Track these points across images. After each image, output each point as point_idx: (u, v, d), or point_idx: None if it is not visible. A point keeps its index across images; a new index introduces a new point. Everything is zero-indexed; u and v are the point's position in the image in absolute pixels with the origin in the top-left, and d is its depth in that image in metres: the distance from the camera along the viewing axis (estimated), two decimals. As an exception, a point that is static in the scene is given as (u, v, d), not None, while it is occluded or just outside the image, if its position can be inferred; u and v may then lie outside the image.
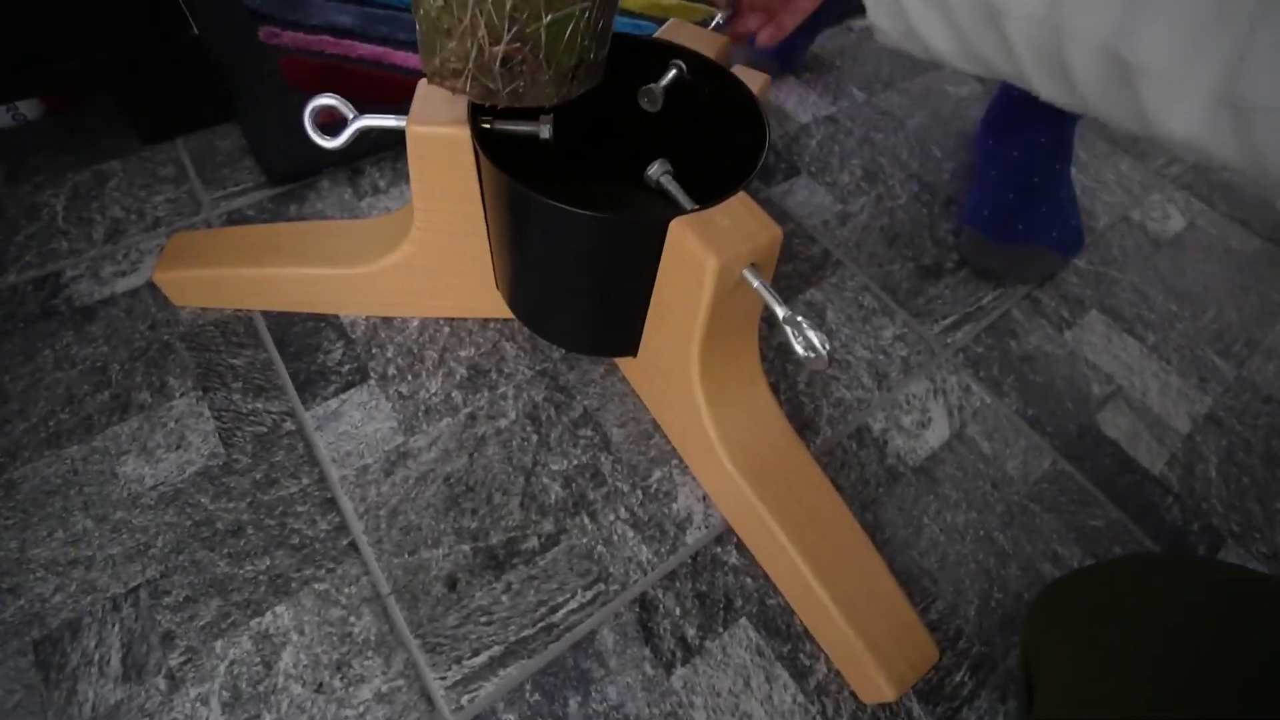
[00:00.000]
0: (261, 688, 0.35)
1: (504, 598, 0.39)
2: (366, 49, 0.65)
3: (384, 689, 0.36)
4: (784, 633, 0.40)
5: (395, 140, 0.60)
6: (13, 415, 0.43)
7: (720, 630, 0.40)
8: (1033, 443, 0.50)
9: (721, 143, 0.43)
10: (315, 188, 0.57)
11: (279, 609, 0.38)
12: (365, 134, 0.39)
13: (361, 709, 0.35)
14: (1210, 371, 0.57)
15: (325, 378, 0.47)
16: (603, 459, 0.45)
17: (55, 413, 0.43)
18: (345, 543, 0.40)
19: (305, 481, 0.42)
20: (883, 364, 0.53)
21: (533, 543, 0.41)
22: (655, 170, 0.40)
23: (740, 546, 0.43)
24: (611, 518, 0.43)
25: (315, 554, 0.40)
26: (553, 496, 0.43)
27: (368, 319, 0.50)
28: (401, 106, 0.39)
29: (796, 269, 0.58)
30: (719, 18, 0.47)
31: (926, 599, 0.42)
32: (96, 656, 0.36)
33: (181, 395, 0.45)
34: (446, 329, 0.50)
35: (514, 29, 0.31)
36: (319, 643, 0.37)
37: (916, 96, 0.76)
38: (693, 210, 0.35)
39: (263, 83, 0.61)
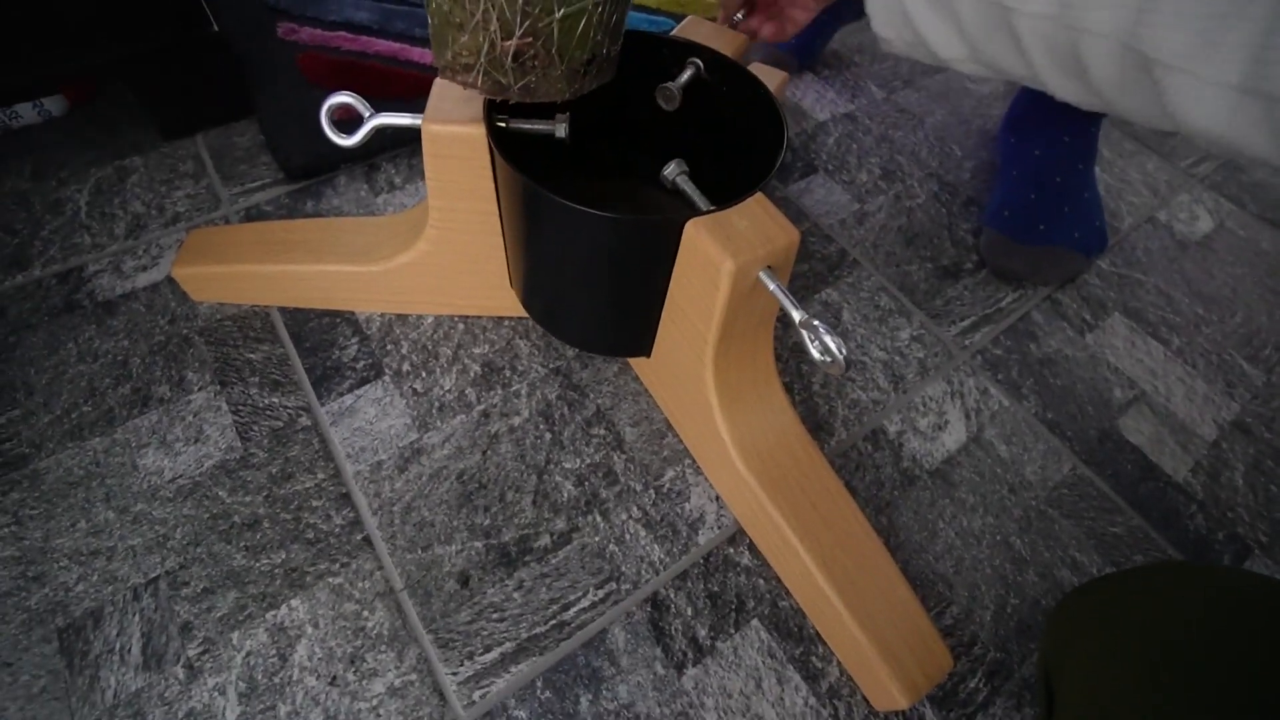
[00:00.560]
0: (277, 679, 0.36)
1: (516, 595, 0.39)
2: (383, 45, 0.65)
3: (397, 683, 0.36)
4: (796, 635, 0.40)
5: (411, 137, 0.60)
6: (37, 407, 0.44)
7: (732, 631, 0.40)
8: (1052, 447, 0.50)
9: (739, 142, 0.43)
10: (332, 184, 0.58)
11: (294, 602, 0.38)
12: (381, 131, 0.39)
13: (375, 702, 0.36)
14: (1238, 377, 0.55)
15: (340, 373, 0.47)
16: (615, 458, 0.45)
17: (78, 405, 0.44)
18: (359, 538, 0.41)
19: (320, 476, 0.43)
20: (899, 365, 0.53)
21: (545, 540, 0.41)
22: (671, 170, 0.40)
23: (753, 547, 0.43)
24: (624, 517, 0.43)
25: (330, 548, 0.40)
26: (565, 495, 0.43)
27: (383, 315, 0.50)
28: (418, 103, 0.39)
29: (813, 268, 0.58)
30: (737, 14, 0.47)
31: (941, 604, 0.42)
32: (118, 645, 0.36)
33: (200, 389, 0.45)
34: (461, 326, 0.50)
35: (526, 23, 0.31)
36: (333, 636, 0.37)
37: (936, 94, 0.75)
38: (709, 211, 0.34)
39: (280, 79, 0.61)
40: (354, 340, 0.49)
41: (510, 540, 0.41)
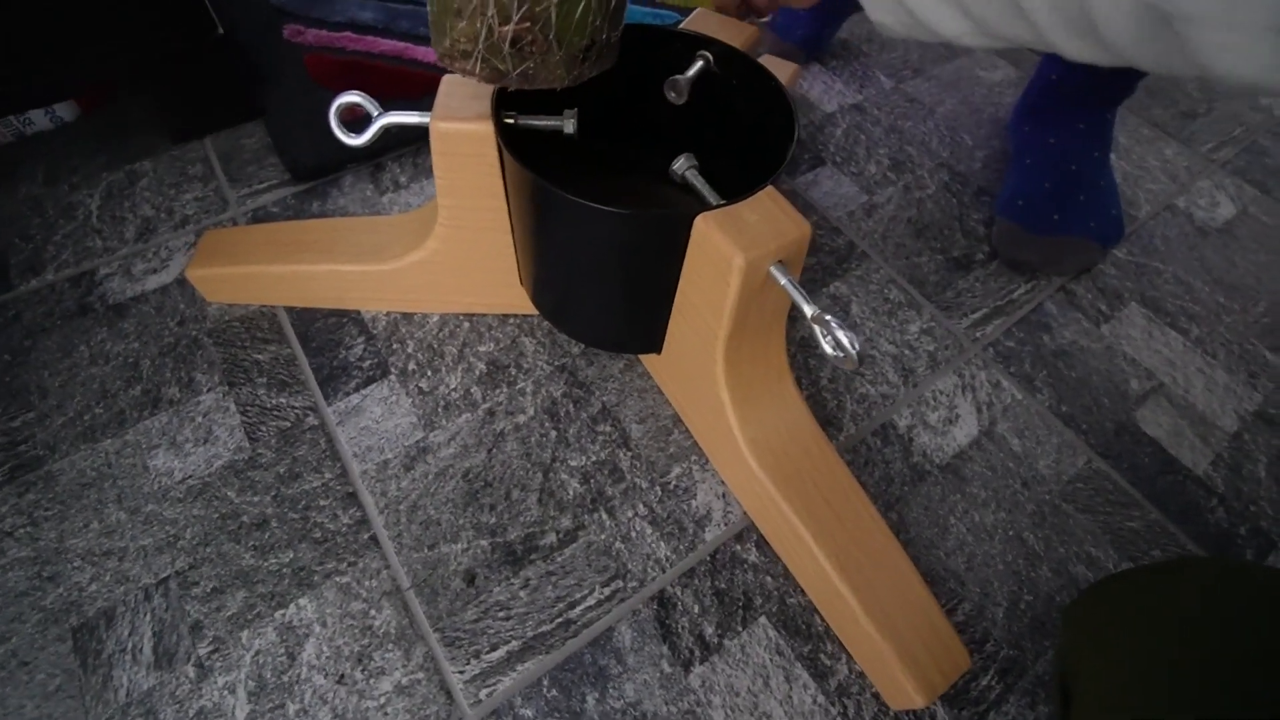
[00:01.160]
0: (286, 678, 0.36)
1: (522, 593, 0.39)
2: (388, 44, 0.65)
3: (404, 681, 0.36)
4: (804, 632, 0.39)
5: (416, 136, 0.60)
6: (51, 410, 0.44)
7: (739, 629, 0.39)
8: (1066, 440, 0.49)
9: (748, 135, 0.42)
10: (338, 184, 0.58)
11: (302, 601, 0.38)
12: (387, 130, 0.39)
13: (382, 700, 0.36)
14: (1261, 367, 0.54)
15: (347, 373, 0.47)
16: (621, 455, 0.45)
17: (90, 407, 0.44)
18: (366, 537, 0.41)
19: (327, 476, 0.43)
20: (909, 359, 0.52)
21: (551, 539, 0.41)
22: (680, 165, 0.39)
23: (760, 544, 0.42)
24: (630, 514, 0.43)
25: (337, 547, 0.40)
26: (571, 492, 0.43)
27: (388, 315, 0.50)
28: (423, 102, 0.39)
29: (820, 261, 0.57)
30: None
31: (952, 600, 0.41)
32: (130, 644, 0.37)
33: (209, 390, 0.46)
34: (466, 325, 0.50)
35: (523, 8, 0.30)
36: (341, 635, 0.38)
37: (947, 83, 0.74)
38: (719, 205, 0.34)
39: (287, 80, 0.62)
40: (360, 340, 0.49)
41: (516, 538, 0.41)
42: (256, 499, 0.42)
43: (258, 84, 0.61)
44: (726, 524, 0.43)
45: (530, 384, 0.47)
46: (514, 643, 0.38)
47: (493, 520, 0.42)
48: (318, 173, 0.58)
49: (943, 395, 0.50)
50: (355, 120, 0.39)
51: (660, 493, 0.44)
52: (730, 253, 0.32)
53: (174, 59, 0.54)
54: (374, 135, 0.39)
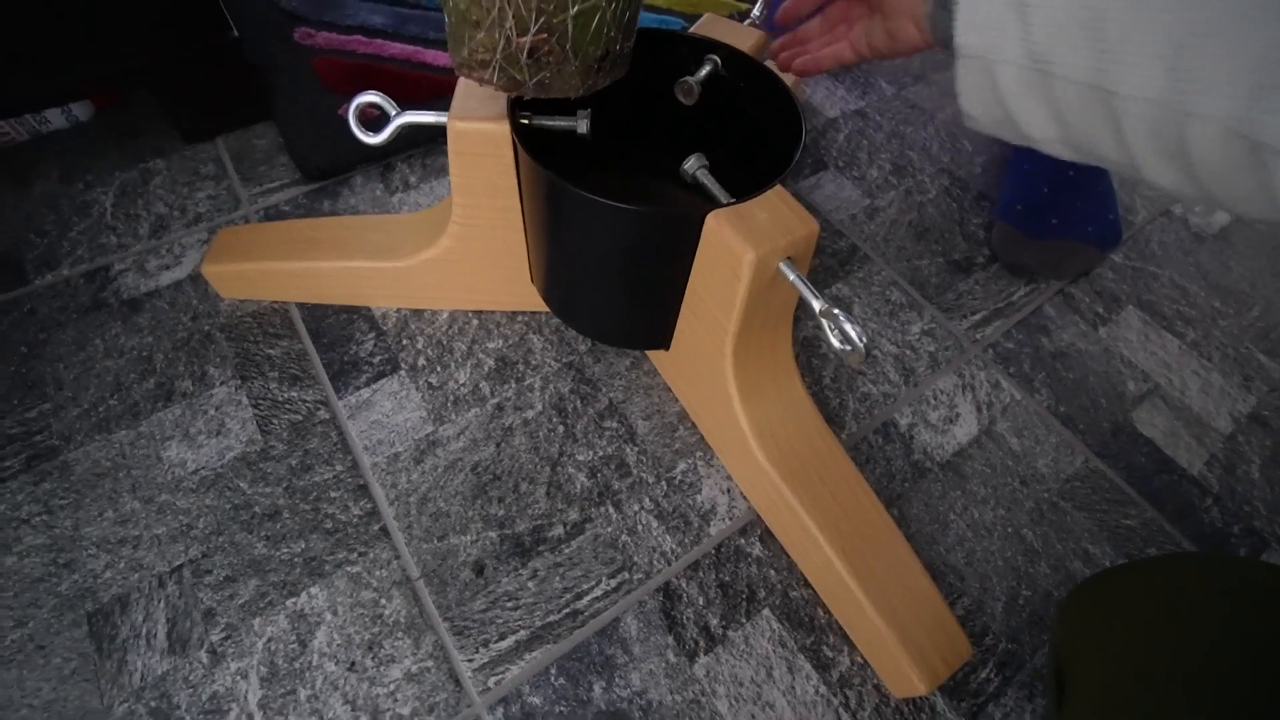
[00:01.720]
0: (297, 664, 0.37)
1: (530, 584, 0.40)
2: (398, 48, 0.66)
3: (414, 669, 0.37)
4: (807, 624, 0.40)
5: (426, 137, 0.61)
6: (66, 402, 0.45)
7: (743, 620, 0.40)
8: (1064, 440, 0.49)
9: (757, 136, 0.43)
10: (348, 184, 0.59)
11: (313, 590, 0.39)
12: (400, 130, 0.40)
13: (392, 687, 0.36)
14: (1255, 370, 0.55)
15: (358, 368, 0.48)
16: (628, 450, 0.46)
17: (105, 399, 0.45)
18: (376, 528, 0.41)
19: (339, 468, 0.43)
20: (910, 359, 0.53)
21: (558, 531, 0.42)
22: (691, 165, 0.40)
23: (764, 538, 0.43)
24: (636, 508, 0.43)
25: (348, 538, 0.41)
26: (578, 486, 0.44)
27: (398, 311, 0.51)
28: (432, 104, 0.39)
29: (823, 263, 0.58)
30: (755, 13, 0.47)
31: (952, 595, 0.42)
32: (144, 630, 0.37)
33: (221, 384, 0.46)
34: (475, 321, 0.51)
35: (541, 20, 0.31)
36: (351, 623, 0.38)
37: (947, 89, 0.74)
38: (729, 204, 0.35)
39: (298, 83, 0.63)
40: (370, 335, 0.50)
41: (524, 530, 0.42)
42: (269, 490, 0.42)
43: (269, 85, 0.62)
44: (731, 518, 0.43)
45: (538, 380, 0.48)
46: (522, 632, 0.38)
47: (501, 512, 0.42)
48: (327, 173, 0.59)
49: (943, 395, 0.51)
50: (372, 120, 0.40)
51: (666, 487, 0.44)
52: (741, 249, 0.33)
53: (188, 60, 0.55)
54: (392, 134, 0.40)
